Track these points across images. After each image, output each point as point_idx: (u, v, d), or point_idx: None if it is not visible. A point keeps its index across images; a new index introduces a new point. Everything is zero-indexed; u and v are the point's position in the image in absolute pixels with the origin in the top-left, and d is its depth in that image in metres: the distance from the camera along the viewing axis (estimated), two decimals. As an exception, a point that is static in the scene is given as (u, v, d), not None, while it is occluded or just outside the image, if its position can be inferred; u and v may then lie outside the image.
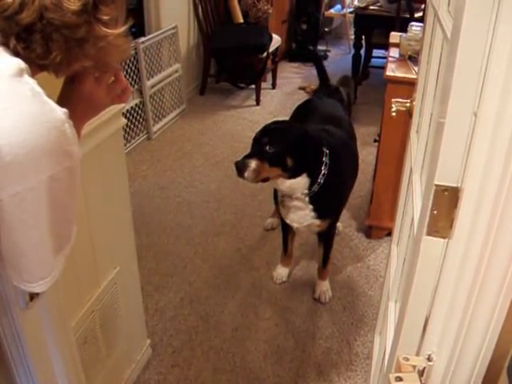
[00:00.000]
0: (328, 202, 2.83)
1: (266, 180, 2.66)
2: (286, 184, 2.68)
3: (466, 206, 0.91)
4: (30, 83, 0.94)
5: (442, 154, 0.93)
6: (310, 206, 2.78)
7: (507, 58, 0.79)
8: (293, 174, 2.64)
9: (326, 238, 3.10)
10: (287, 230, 3.21)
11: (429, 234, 0.99)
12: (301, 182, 2.68)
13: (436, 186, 0.94)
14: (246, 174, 2.58)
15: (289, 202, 2.81)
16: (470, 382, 1.02)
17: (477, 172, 0.87)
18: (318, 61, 3.92)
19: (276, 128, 2.78)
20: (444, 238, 0.98)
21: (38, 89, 0.95)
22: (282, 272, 3.30)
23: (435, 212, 0.96)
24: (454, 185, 0.93)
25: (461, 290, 0.95)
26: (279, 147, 2.60)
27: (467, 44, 0.84)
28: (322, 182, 2.70)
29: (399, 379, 1.03)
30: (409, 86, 2.70)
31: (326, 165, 2.70)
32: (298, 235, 3.37)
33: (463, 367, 1.01)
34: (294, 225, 2.92)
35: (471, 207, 0.90)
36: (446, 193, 0.94)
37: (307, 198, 2.75)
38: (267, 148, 2.59)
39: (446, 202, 0.94)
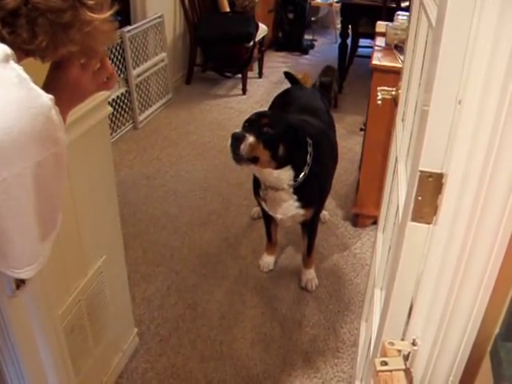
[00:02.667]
0: (312, 192, 2.84)
1: (254, 161, 2.59)
2: (274, 175, 2.68)
3: (449, 192, 0.92)
4: (16, 69, 0.94)
5: (426, 141, 0.94)
6: (294, 197, 2.78)
7: (491, 46, 0.80)
8: (280, 163, 2.64)
9: (310, 227, 3.11)
10: (269, 219, 3.19)
11: (413, 219, 1.00)
12: (287, 173, 2.69)
13: (421, 172, 0.95)
14: (242, 146, 2.50)
15: (273, 194, 2.80)
16: (453, 365, 1.04)
17: (460, 158, 0.88)
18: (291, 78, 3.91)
19: (274, 113, 2.79)
20: (428, 223, 0.99)
21: (25, 75, 0.95)
22: (268, 260, 3.32)
23: (420, 198, 0.97)
24: (439, 171, 0.94)
25: (444, 276, 0.96)
26: (277, 131, 2.59)
27: (451, 31, 0.85)
28: (306, 172, 2.72)
29: (384, 363, 1.04)
30: (394, 74, 2.72)
31: (310, 155, 2.72)
32: (282, 226, 3.36)
33: (447, 351, 1.02)
34: (279, 216, 2.90)
35: (455, 193, 0.91)
36: (431, 179, 0.95)
37: (291, 189, 2.75)
38: (265, 129, 2.57)
39: (431, 187, 0.95)
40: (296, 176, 2.71)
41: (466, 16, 0.82)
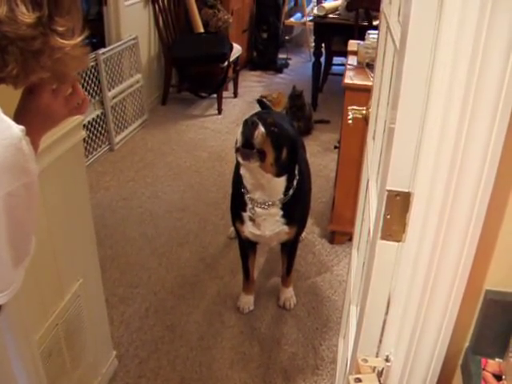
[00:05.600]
0: (297, 209, 2.84)
1: (262, 158, 2.51)
2: (272, 182, 2.65)
3: (416, 211, 0.94)
4: None
5: (392, 160, 0.96)
6: (281, 212, 2.77)
7: (450, 66, 0.82)
8: (280, 170, 2.62)
9: (291, 248, 3.11)
10: (247, 254, 3.12)
11: (383, 238, 1.02)
12: (282, 184, 2.69)
13: (388, 191, 0.97)
14: (256, 133, 2.44)
15: (261, 211, 2.75)
16: (426, 380, 1.05)
17: (425, 177, 0.90)
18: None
19: (277, 116, 2.80)
20: (398, 241, 1.01)
21: None
22: (247, 301, 3.18)
23: (388, 216, 0.99)
24: (405, 190, 0.96)
25: (414, 292, 0.98)
26: (282, 132, 2.59)
27: (413, 53, 0.87)
28: (295, 186, 2.73)
29: (358, 380, 1.06)
30: (367, 93, 2.74)
31: (297, 169, 2.76)
32: (267, 246, 3.37)
33: (419, 366, 1.04)
34: (267, 233, 2.85)
35: (421, 211, 0.93)
36: (398, 198, 0.96)
37: (280, 205, 2.74)
38: (271, 128, 2.53)
39: (399, 206, 0.97)
40: (286, 190, 2.71)
41: (427, 37, 0.85)
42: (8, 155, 0.94)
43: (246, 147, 2.48)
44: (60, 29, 1.02)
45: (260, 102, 3.90)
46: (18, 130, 0.96)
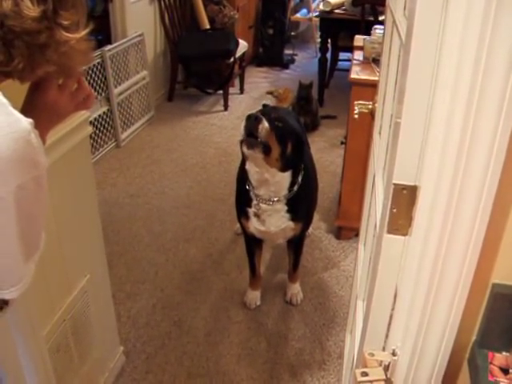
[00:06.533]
0: (302, 204, 2.84)
1: (267, 151, 2.50)
2: (276, 178, 2.64)
3: (423, 204, 0.93)
4: None
5: (399, 154, 0.95)
6: (286, 208, 2.77)
7: (456, 59, 0.82)
8: (285, 164, 2.61)
9: (297, 244, 3.11)
10: (253, 251, 3.12)
11: (389, 232, 1.02)
12: (287, 179, 2.68)
13: (394, 184, 0.97)
14: (260, 127, 2.43)
15: (266, 206, 2.75)
16: (432, 374, 1.05)
17: (432, 170, 0.89)
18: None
19: (282, 111, 2.80)
20: (404, 235, 1.01)
21: (4, 100, 0.96)
22: (253, 297, 3.19)
23: (395, 210, 0.98)
24: (412, 183, 0.95)
25: (420, 286, 0.98)
26: (286, 127, 2.59)
27: (419, 47, 0.87)
28: (300, 181, 2.73)
29: (365, 374, 1.06)
30: (373, 88, 2.73)
31: (302, 166, 2.75)
32: (273, 243, 3.37)
33: (426, 360, 1.04)
34: (273, 229, 2.85)
35: (428, 205, 0.93)
36: (405, 191, 0.96)
37: (285, 200, 2.74)
38: (276, 122, 2.53)
39: (405, 200, 0.97)
40: (291, 185, 2.71)
41: (433, 31, 0.84)
42: (18, 148, 0.94)
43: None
44: (65, 22, 1.03)
45: (265, 106, 3.89)
46: (26, 123, 0.97)
